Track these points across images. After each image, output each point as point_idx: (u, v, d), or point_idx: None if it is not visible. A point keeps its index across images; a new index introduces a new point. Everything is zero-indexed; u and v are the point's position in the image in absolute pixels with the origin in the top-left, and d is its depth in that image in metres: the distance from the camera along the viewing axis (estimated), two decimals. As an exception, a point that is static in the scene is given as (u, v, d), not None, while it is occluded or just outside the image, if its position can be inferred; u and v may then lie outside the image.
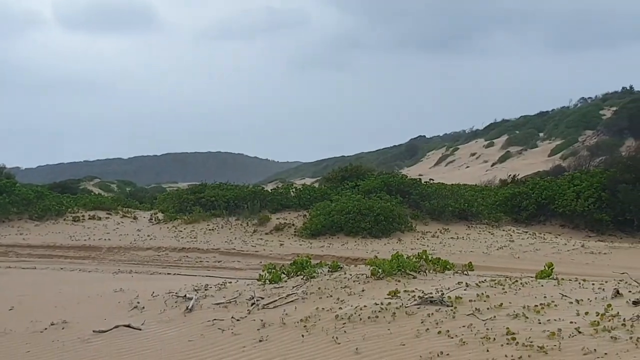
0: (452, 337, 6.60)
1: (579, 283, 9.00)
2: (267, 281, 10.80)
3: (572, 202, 26.63)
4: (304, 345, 7.28)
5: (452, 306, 7.65)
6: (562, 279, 9.35)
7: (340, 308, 8.32)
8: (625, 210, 25.88)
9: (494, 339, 6.33)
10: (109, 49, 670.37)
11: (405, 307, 7.86)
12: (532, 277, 9.95)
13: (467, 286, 8.69)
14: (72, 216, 28.30)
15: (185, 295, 10.50)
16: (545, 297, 7.78)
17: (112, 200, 35.59)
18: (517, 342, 6.10)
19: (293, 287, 10.09)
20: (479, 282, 9.09)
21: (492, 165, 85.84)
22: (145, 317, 9.62)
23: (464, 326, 6.85)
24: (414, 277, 9.83)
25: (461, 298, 7.89)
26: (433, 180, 32.81)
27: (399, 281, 9.46)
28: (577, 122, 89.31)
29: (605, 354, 5.57)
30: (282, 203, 27.33)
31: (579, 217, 26.70)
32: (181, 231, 25.21)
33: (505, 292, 8.31)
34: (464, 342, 6.38)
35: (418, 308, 7.76)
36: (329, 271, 10.94)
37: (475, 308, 7.42)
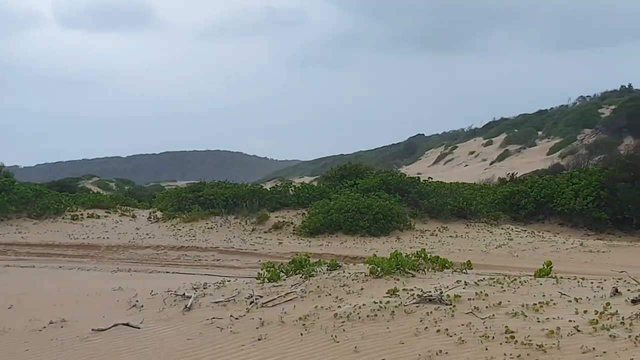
0: (451, 336, 6.60)
1: (578, 282, 9.01)
2: (266, 280, 10.80)
3: (571, 201, 26.64)
4: (302, 343, 7.28)
5: (451, 305, 7.65)
6: (561, 278, 9.35)
7: (339, 306, 8.32)
8: (624, 209, 25.89)
9: (493, 337, 6.33)
10: (108, 48, 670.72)
11: (404, 305, 7.86)
12: (530, 275, 9.95)
13: (466, 285, 8.69)
14: (71, 215, 28.29)
15: (184, 294, 10.50)
16: (544, 295, 7.78)
17: (110, 198, 35.56)
18: (516, 341, 6.10)
19: (292, 285, 10.09)
20: (478, 280, 9.10)
21: (490, 164, 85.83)
22: (144, 315, 9.62)
23: (462, 325, 6.85)
24: (413, 276, 9.83)
25: (460, 297, 7.89)
26: (432, 178, 32.86)
27: (398, 280, 9.46)
28: (576, 121, 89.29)
29: (604, 352, 5.57)
30: (280, 201, 27.33)
31: (577, 216, 26.72)
32: (180, 230, 25.21)
33: (504, 290, 8.32)
34: (462, 341, 6.38)
35: (417, 307, 7.76)
36: (327, 270, 10.94)
37: (474, 307, 7.42)
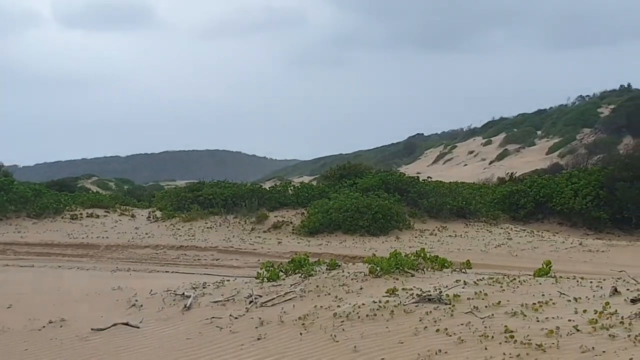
0: (451, 335, 6.60)
1: (577, 281, 9.01)
2: (265, 279, 10.81)
3: (570, 200, 26.65)
4: (302, 343, 7.28)
5: (450, 304, 7.65)
6: (560, 277, 9.36)
7: (339, 306, 8.32)
8: (623, 208, 25.91)
9: (492, 337, 6.33)
10: (107, 48, 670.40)
11: (404, 305, 7.86)
12: (530, 275, 9.96)
13: (465, 284, 8.69)
14: (70, 214, 28.29)
15: (183, 294, 10.50)
16: (543, 295, 7.79)
17: (110, 198, 35.56)
18: (516, 340, 6.10)
19: (291, 285, 10.09)
20: (477, 280, 9.10)
21: (490, 163, 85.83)
22: (143, 315, 9.63)
23: (462, 324, 6.85)
24: (412, 275, 9.83)
25: (459, 296, 7.89)
26: (431, 178, 32.87)
27: (397, 279, 9.46)
28: (575, 120, 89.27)
29: (604, 351, 5.57)
30: (280, 201, 27.34)
31: (576, 215, 26.73)
32: (179, 229, 25.20)
33: (504, 290, 8.32)
34: (462, 340, 6.38)
35: (416, 306, 7.77)
36: (327, 269, 10.94)
37: (474, 306, 7.42)
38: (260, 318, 8.39)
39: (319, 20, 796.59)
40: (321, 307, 8.41)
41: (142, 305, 10.29)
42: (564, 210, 26.92)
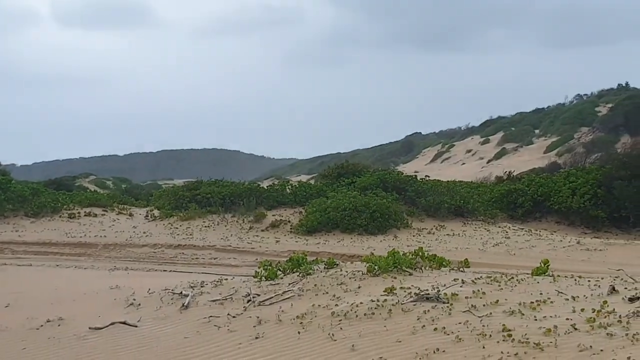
0: (448, 334, 6.61)
1: (575, 280, 9.01)
2: (263, 278, 10.80)
3: (568, 199, 26.68)
4: (300, 342, 7.28)
5: (448, 303, 7.65)
6: (558, 276, 9.36)
7: (337, 305, 8.32)
8: (621, 207, 25.94)
9: (490, 335, 6.34)
10: (105, 46, 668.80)
11: (402, 303, 7.86)
12: (528, 273, 9.96)
13: (463, 283, 8.69)
14: (68, 213, 28.26)
15: (181, 292, 10.49)
16: (541, 293, 7.79)
17: (107, 197, 35.51)
18: (513, 339, 6.10)
19: (289, 284, 10.09)
20: (475, 278, 9.10)
21: (487, 162, 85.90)
22: (141, 314, 9.62)
23: (460, 323, 6.85)
24: (410, 274, 9.83)
25: (457, 295, 7.89)
26: (429, 177, 32.95)
27: (395, 278, 9.46)
28: (573, 119, 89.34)
29: (601, 350, 5.57)
30: (278, 200, 27.34)
31: (574, 214, 26.76)
32: (177, 228, 25.20)
33: (501, 288, 8.32)
34: (460, 339, 6.38)
35: (414, 305, 7.77)
36: (325, 268, 10.94)
37: (471, 305, 7.42)
38: (258, 317, 8.39)
39: (317, 19, 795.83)
40: (319, 306, 8.41)
41: (140, 304, 10.29)
42: (562, 209, 26.96)
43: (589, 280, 8.86)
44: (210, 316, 8.82)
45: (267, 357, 7.04)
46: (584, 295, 7.59)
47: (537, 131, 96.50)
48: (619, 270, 10.36)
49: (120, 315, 9.61)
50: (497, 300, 7.51)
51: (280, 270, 11.18)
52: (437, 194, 26.44)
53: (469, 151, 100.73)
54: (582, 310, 6.78)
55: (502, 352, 5.86)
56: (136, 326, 8.95)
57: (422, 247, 11.28)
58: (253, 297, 9.45)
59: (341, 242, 21.81)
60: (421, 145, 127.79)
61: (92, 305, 10.77)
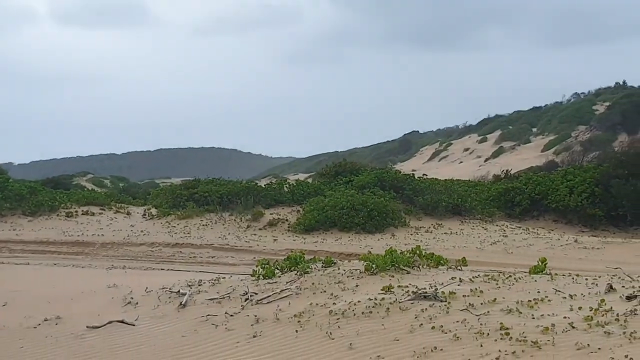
0: (446, 332, 6.61)
1: (573, 278, 9.02)
2: (261, 277, 10.80)
3: (566, 198, 26.69)
4: (297, 340, 7.29)
5: (445, 301, 7.66)
6: (556, 274, 9.37)
7: (334, 303, 8.33)
8: (618, 205, 25.95)
9: (488, 334, 6.34)
10: (103, 45, 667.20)
11: (399, 302, 7.87)
12: (525, 272, 9.98)
13: (461, 281, 8.70)
14: (65, 212, 28.20)
15: (178, 291, 10.49)
16: (538, 292, 7.80)
17: (105, 195, 35.40)
18: (511, 337, 6.11)
19: (287, 282, 10.09)
20: (473, 277, 9.10)
21: (485, 161, 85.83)
22: (138, 312, 9.62)
23: (457, 321, 6.86)
24: (408, 273, 9.84)
25: (455, 293, 7.90)
26: (426, 175, 32.91)
27: (393, 276, 9.47)
28: (570, 118, 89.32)
29: (599, 348, 5.58)
30: (275, 198, 27.30)
31: (572, 212, 26.76)
32: (175, 227, 25.17)
33: (499, 287, 8.33)
34: (457, 337, 6.39)
35: (412, 303, 7.77)
36: (322, 266, 10.95)
37: (469, 303, 7.43)
38: (255, 315, 8.39)
39: (315, 18, 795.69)
40: (317, 304, 8.41)
41: (137, 303, 10.29)
42: (559, 207, 26.96)
43: (586, 279, 8.87)
44: (208, 315, 8.82)
45: (264, 355, 7.05)
46: (582, 294, 7.60)
47: (534, 130, 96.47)
48: (616, 268, 10.37)
49: (117, 314, 9.60)
50: (495, 299, 7.52)
51: (278, 268, 11.18)
52: (435, 193, 26.43)
53: (467, 150, 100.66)
54: (580, 308, 6.79)
55: (499, 351, 5.86)
56: (134, 325, 8.95)
57: (419, 246, 11.29)
58: (251, 296, 9.45)
59: (339, 241, 21.80)
60: (419, 143, 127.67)
61: (89, 304, 10.76)
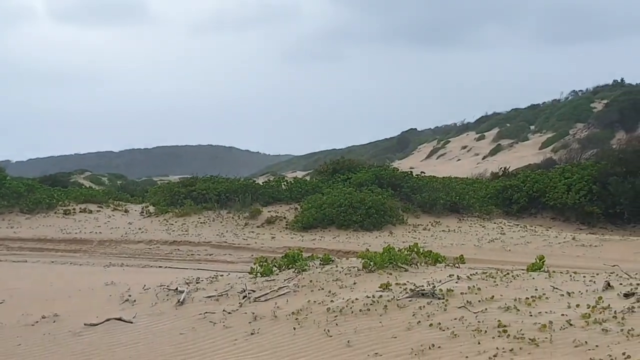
0: (444, 330, 6.61)
1: (570, 276, 9.02)
2: (259, 274, 10.80)
3: (563, 195, 26.69)
4: (295, 338, 7.29)
5: (443, 299, 7.66)
6: (553, 272, 9.37)
7: (332, 301, 8.33)
8: (616, 203, 25.95)
9: (486, 331, 6.34)
10: (100, 42, 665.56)
11: (397, 299, 7.87)
12: (523, 269, 9.98)
13: (459, 279, 8.70)
14: (63, 209, 28.19)
15: (176, 289, 10.49)
16: (536, 289, 7.80)
17: (103, 193, 35.42)
18: (509, 335, 6.11)
19: (285, 280, 10.09)
20: (471, 274, 9.10)
21: (483, 158, 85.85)
22: (136, 310, 9.62)
23: (455, 319, 6.86)
24: (406, 270, 9.84)
25: (453, 291, 7.90)
26: (424, 173, 32.84)
27: (391, 274, 9.47)
28: (568, 115, 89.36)
29: (597, 346, 5.59)
30: (273, 196, 27.30)
31: (570, 210, 26.77)
32: (172, 224, 25.16)
33: (497, 284, 8.33)
34: (455, 335, 6.39)
35: (410, 301, 7.77)
36: (320, 264, 10.95)
37: (467, 301, 7.43)
38: (253, 313, 8.39)
39: (313, 15, 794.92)
40: (315, 302, 8.41)
41: (135, 301, 10.28)
42: (557, 205, 26.97)
43: (584, 276, 8.87)
44: (206, 312, 8.82)
45: (262, 353, 7.05)
46: (579, 291, 7.60)
47: (532, 127, 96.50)
48: (614, 266, 10.36)
49: (115, 311, 9.60)
50: (493, 296, 7.52)
51: (275, 266, 11.18)
52: (433, 190, 26.43)
53: (465, 147, 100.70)
54: (578, 306, 6.79)
55: (497, 348, 5.87)
56: (132, 322, 8.95)
57: (417, 243, 11.29)
58: (248, 293, 9.46)
59: (337, 239, 21.81)
60: (416, 141, 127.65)
61: (87, 302, 10.76)
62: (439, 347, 6.22)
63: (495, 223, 24.91)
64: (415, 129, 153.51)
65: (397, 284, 8.60)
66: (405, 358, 6.21)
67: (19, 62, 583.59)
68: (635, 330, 5.78)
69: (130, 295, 10.65)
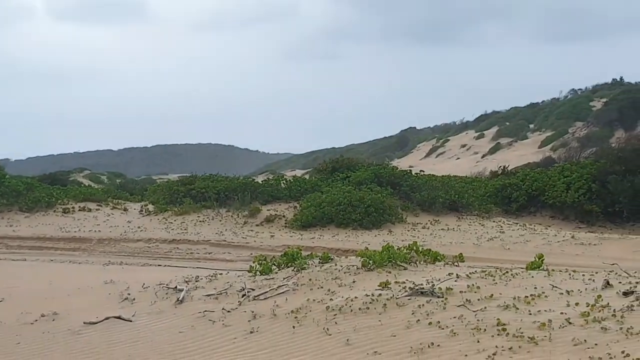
0: (443, 328, 6.62)
1: (569, 274, 9.03)
2: (258, 273, 10.80)
3: (562, 194, 26.70)
4: (294, 336, 7.29)
5: (442, 297, 7.66)
6: (553, 270, 9.38)
7: (331, 299, 8.33)
8: (615, 202, 25.96)
9: (485, 329, 6.35)
10: (99, 41, 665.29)
11: (396, 298, 7.87)
12: (522, 268, 9.98)
13: (458, 277, 8.71)
14: (62, 208, 28.18)
15: (175, 287, 10.49)
16: (535, 288, 7.81)
17: (102, 191, 35.40)
18: (508, 333, 6.11)
19: (284, 278, 10.09)
20: (470, 273, 9.11)
21: (482, 157, 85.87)
22: (135, 308, 9.62)
23: (454, 317, 6.86)
24: (405, 269, 9.85)
25: (452, 289, 7.91)
26: (423, 171, 32.83)
27: (390, 272, 9.47)
28: (568, 114, 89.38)
29: (596, 344, 5.59)
30: (272, 194, 27.29)
31: (569, 209, 26.78)
32: (171, 223, 25.15)
33: (496, 283, 8.33)
34: (454, 333, 6.39)
35: (409, 299, 7.78)
36: (319, 263, 10.95)
37: (466, 299, 7.43)
38: (252, 311, 8.39)
39: (312, 13, 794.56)
40: (314, 300, 8.41)
41: (134, 299, 10.28)
42: (556, 203, 26.98)
43: (583, 275, 8.88)
44: (205, 311, 8.82)
45: (261, 351, 7.05)
46: (579, 290, 7.60)
47: (531, 126, 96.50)
48: (613, 264, 10.36)
49: (114, 309, 9.60)
50: (492, 295, 7.53)
51: (275, 265, 11.18)
52: (432, 189, 26.42)
53: (464, 146, 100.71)
54: (577, 304, 6.80)
55: (496, 346, 5.87)
56: (131, 321, 8.95)
57: (416, 242, 11.30)
58: (248, 292, 9.46)
59: (336, 237, 21.81)
60: (416, 140, 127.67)
61: (86, 300, 10.76)
62: (438, 345, 6.22)
63: (494, 221, 24.91)
64: (415, 127, 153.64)
65: (396, 282, 8.60)
66: (405, 356, 6.21)
67: (19, 61, 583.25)
68: (634, 329, 5.78)
69: (129, 294, 10.65)
